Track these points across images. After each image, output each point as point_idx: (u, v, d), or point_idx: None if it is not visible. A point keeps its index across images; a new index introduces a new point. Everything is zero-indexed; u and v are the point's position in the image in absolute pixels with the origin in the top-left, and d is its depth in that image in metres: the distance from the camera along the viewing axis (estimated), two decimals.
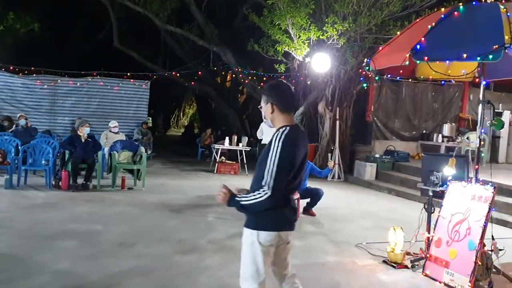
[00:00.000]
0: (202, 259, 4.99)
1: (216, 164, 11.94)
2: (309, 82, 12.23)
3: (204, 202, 8.16)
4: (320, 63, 10.99)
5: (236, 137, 12.31)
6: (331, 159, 7.38)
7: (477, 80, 5.17)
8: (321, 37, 10.55)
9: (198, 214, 7.18)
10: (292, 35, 10.50)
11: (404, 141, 13.42)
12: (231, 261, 4.91)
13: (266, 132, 10.18)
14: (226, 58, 15.30)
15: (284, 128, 2.67)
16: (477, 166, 4.86)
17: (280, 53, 11.10)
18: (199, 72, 15.52)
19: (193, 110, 31.99)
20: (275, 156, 2.57)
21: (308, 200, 7.57)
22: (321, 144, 12.53)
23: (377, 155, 12.03)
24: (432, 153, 6.66)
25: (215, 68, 15.49)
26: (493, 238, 4.70)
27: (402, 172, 11.35)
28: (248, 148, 12.13)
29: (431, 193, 5.32)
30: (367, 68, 4.91)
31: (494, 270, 4.72)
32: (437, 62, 4.37)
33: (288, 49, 10.60)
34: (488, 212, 4.40)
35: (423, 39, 4.02)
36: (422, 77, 5.72)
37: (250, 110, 23.18)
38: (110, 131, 10.84)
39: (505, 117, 13.44)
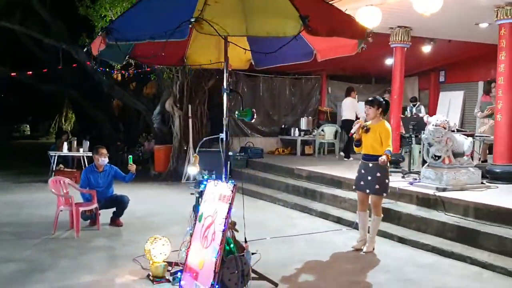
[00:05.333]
0: None
1: (53, 174, 10.70)
2: (152, 79, 11.42)
3: None
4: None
5: (76, 141, 11.14)
6: (131, 162, 6.57)
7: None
8: None
9: None
10: None
11: (264, 137, 13.07)
12: None
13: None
14: (78, 57, 13.98)
15: None
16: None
17: None
18: (44, 70, 14.06)
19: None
20: None
21: (115, 209, 6.78)
22: (173, 145, 11.78)
23: (230, 153, 11.49)
24: (205, 149, 6.13)
25: (60, 67, 14.06)
26: (246, 241, 4.19)
27: (253, 169, 10.96)
28: (89, 154, 10.99)
29: (197, 195, 4.75)
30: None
31: (255, 275, 4.23)
32: (126, 42, 3.74)
33: None
34: (228, 213, 3.87)
35: (117, 17, 3.37)
36: (188, 65, 5.13)
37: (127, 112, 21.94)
38: None
39: (361, 107, 13.60)
